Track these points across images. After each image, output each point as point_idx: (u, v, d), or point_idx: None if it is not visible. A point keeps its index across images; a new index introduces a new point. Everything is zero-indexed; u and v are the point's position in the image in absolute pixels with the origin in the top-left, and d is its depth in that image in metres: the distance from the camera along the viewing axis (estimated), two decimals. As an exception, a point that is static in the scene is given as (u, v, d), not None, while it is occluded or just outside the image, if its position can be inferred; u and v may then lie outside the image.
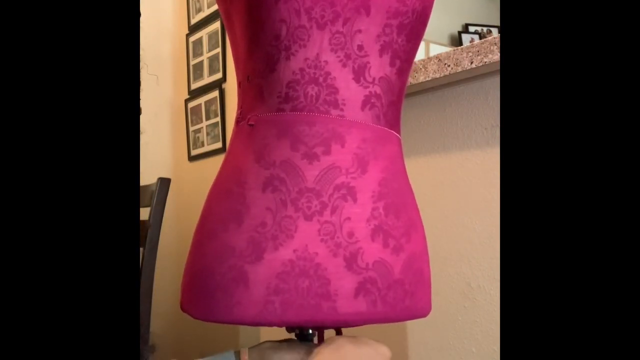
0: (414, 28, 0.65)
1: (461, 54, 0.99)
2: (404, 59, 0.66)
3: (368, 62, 0.63)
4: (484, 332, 1.01)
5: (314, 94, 0.62)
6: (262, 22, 0.62)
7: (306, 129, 0.62)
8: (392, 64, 0.65)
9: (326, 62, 0.62)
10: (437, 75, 1.03)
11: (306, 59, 0.62)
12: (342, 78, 0.63)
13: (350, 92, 0.63)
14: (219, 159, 2.06)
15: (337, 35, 0.62)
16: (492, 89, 1.02)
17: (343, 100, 0.63)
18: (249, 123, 0.65)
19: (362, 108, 0.64)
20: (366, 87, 0.64)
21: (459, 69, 0.99)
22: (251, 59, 0.65)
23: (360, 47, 0.63)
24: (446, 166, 1.09)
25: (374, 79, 0.64)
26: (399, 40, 0.65)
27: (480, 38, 2.71)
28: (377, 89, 0.64)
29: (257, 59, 0.64)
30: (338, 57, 0.62)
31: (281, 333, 0.74)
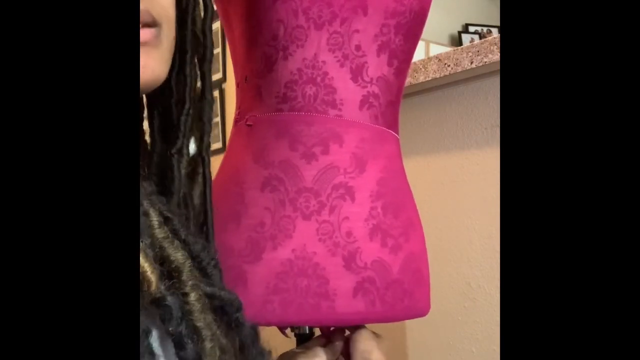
0: (411, 28, 0.65)
1: (461, 54, 0.99)
2: (402, 59, 0.66)
3: (366, 62, 0.63)
4: (484, 332, 1.01)
5: (312, 94, 0.62)
6: (260, 22, 0.62)
7: (304, 128, 0.62)
8: (390, 64, 0.65)
9: (324, 62, 0.62)
10: (437, 75, 1.03)
11: (304, 59, 0.62)
12: (340, 78, 0.62)
13: (348, 92, 0.63)
14: (219, 159, 2.06)
15: (334, 35, 0.62)
16: (492, 89, 1.02)
17: (341, 100, 0.62)
18: (247, 123, 0.65)
19: (360, 108, 0.63)
20: (364, 87, 0.63)
21: (459, 69, 0.99)
22: (249, 59, 0.65)
23: (357, 47, 0.63)
24: (446, 166, 1.09)
25: (371, 78, 0.64)
26: (397, 40, 0.65)
27: (480, 38, 2.71)
28: (375, 89, 0.64)
29: (255, 60, 0.64)
30: (336, 57, 0.62)
31: (282, 334, 0.74)
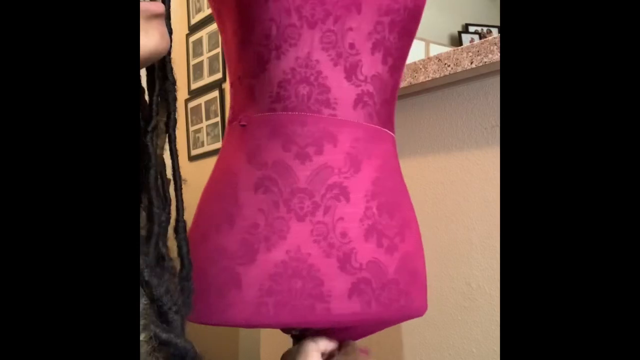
0: (406, 25, 0.64)
1: (461, 54, 0.99)
2: (397, 56, 0.65)
3: (360, 60, 0.62)
4: (484, 332, 1.00)
5: (305, 94, 0.61)
6: (252, 21, 0.61)
7: (298, 128, 0.61)
8: (384, 62, 0.64)
9: (317, 61, 0.61)
10: (437, 75, 1.03)
11: (297, 58, 0.61)
12: (334, 77, 0.62)
13: (342, 91, 0.62)
14: (219, 159, 2.06)
15: (328, 34, 0.61)
16: (492, 89, 1.02)
17: (335, 99, 0.62)
18: (241, 123, 0.64)
19: (354, 107, 0.63)
20: (358, 86, 0.63)
21: (459, 69, 0.99)
22: (242, 58, 0.64)
23: (351, 46, 0.62)
24: (446, 166, 1.09)
25: (365, 77, 0.63)
26: (391, 37, 0.64)
27: (480, 38, 2.71)
28: (370, 88, 0.63)
29: (247, 59, 0.63)
30: (329, 55, 0.61)
31: (281, 334, 0.74)
